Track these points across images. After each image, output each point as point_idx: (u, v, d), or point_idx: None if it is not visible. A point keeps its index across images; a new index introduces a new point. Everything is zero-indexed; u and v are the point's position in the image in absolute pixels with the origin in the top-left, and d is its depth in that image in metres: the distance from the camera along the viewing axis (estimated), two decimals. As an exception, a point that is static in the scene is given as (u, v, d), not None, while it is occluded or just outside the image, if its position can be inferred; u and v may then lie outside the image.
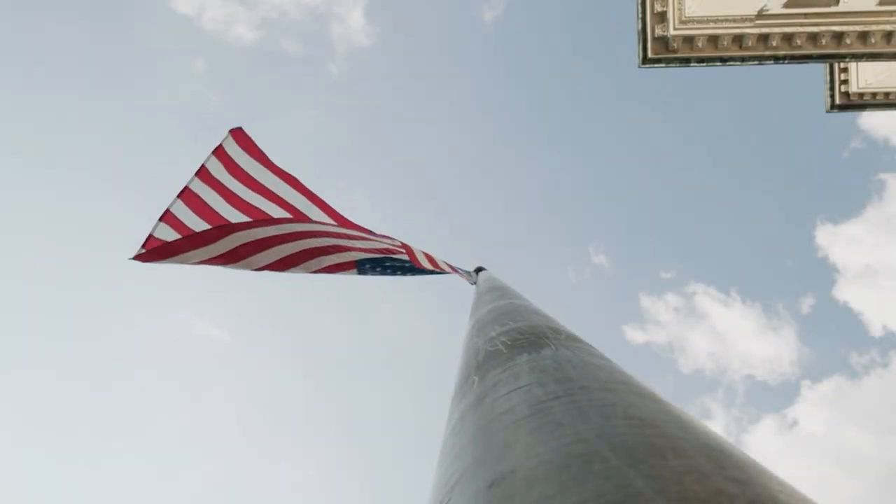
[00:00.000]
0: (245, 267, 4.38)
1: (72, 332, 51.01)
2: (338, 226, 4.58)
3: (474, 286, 4.35)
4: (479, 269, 4.18)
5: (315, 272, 4.73)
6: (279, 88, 52.55)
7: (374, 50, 51.02)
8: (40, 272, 48.98)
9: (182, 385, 54.14)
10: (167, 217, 4.31)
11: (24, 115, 46.18)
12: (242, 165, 4.67)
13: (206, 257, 4.16)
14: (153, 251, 4.08)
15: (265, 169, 4.73)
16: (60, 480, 47.32)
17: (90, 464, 49.23)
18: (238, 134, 4.71)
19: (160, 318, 53.75)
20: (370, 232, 4.65)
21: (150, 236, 4.18)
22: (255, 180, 4.68)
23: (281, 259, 4.44)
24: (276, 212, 4.67)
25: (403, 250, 4.72)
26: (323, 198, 4.79)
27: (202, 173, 4.54)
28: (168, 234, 4.24)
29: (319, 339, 55.85)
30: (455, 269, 4.76)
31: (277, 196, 4.67)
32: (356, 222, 4.81)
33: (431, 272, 5.01)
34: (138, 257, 4.02)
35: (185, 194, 4.42)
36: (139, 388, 52.67)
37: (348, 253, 4.71)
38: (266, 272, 4.56)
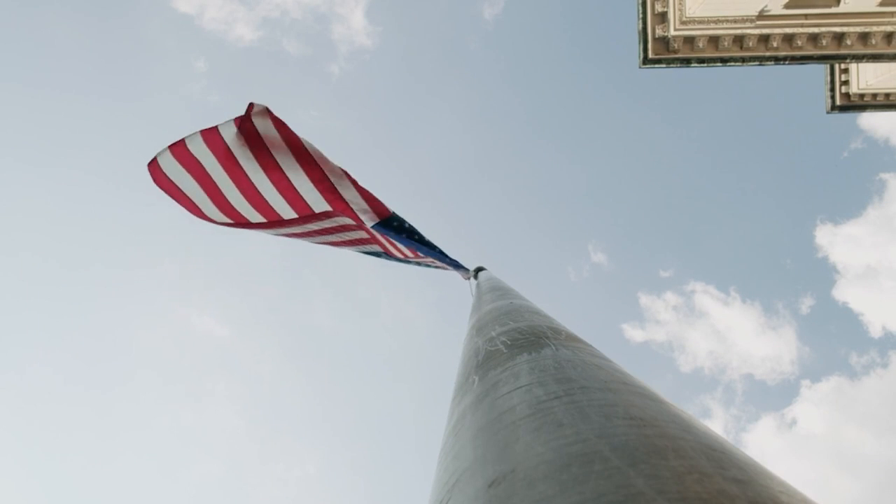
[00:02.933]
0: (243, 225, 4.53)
1: (71, 331, 51.06)
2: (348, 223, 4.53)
3: (468, 281, 4.36)
4: (479, 269, 4.18)
5: (314, 240, 4.79)
6: (280, 88, 52.57)
7: (375, 50, 51.04)
8: (40, 271, 49.01)
9: (182, 382, 54.17)
10: (173, 150, 4.35)
11: (25, 114, 46.22)
12: (257, 141, 4.47)
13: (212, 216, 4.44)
14: (164, 179, 4.34)
15: (283, 151, 4.55)
16: (60, 478, 47.36)
17: (90, 462, 49.27)
18: (263, 111, 4.46)
19: (160, 316, 53.79)
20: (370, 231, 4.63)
21: (155, 160, 4.35)
22: (265, 161, 4.52)
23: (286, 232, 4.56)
24: (314, 202, 4.60)
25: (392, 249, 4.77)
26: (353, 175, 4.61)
27: (211, 135, 4.38)
28: (174, 171, 4.37)
29: (319, 336, 55.88)
30: (450, 264, 4.79)
31: (289, 185, 4.55)
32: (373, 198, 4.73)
33: (427, 265, 5.05)
34: (154, 172, 4.33)
35: (179, 147, 4.37)
36: (139, 385, 52.71)
37: (349, 246, 4.79)
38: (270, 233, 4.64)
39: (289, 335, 56.05)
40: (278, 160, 4.52)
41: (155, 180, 4.39)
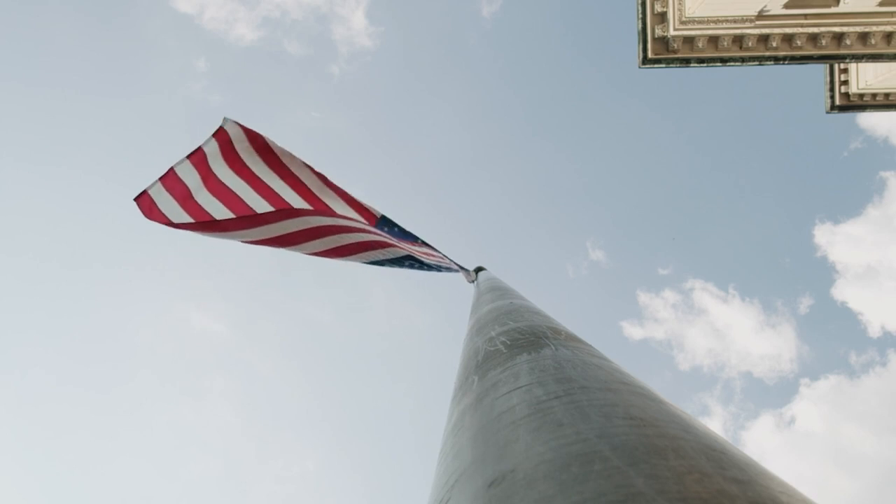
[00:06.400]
0: (247, 237, 4.47)
1: (70, 329, 51.07)
2: (357, 223, 4.50)
3: (472, 284, 4.35)
4: (479, 269, 4.17)
5: (323, 254, 4.71)
6: (281, 89, 52.57)
7: (375, 51, 51.04)
8: (40, 270, 48.99)
9: (180, 379, 54.16)
10: (165, 180, 4.39)
11: (25, 113, 46.21)
12: (242, 153, 4.56)
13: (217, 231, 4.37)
14: (157, 212, 4.30)
15: (269, 157, 4.59)
16: (58, 477, 47.37)
17: (88, 460, 49.26)
18: (233, 126, 4.57)
19: (158, 314, 53.78)
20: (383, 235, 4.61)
21: (145, 193, 4.34)
22: (255, 170, 4.58)
23: (291, 235, 4.48)
24: (292, 199, 4.59)
25: (416, 251, 4.73)
26: (338, 184, 4.62)
27: (196, 156, 4.48)
28: (165, 203, 4.37)
29: (318, 334, 55.90)
30: (456, 266, 4.77)
31: (295, 183, 4.54)
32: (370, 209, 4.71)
33: (436, 268, 5.02)
34: (148, 213, 4.29)
35: (169, 177, 4.43)
36: (138, 383, 52.70)
37: (366, 253, 4.73)
38: (276, 248, 4.60)
39: (285, 330, 56.09)
40: (257, 170, 4.58)
41: (145, 213, 4.38)
